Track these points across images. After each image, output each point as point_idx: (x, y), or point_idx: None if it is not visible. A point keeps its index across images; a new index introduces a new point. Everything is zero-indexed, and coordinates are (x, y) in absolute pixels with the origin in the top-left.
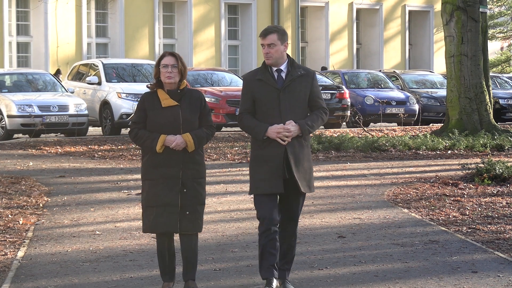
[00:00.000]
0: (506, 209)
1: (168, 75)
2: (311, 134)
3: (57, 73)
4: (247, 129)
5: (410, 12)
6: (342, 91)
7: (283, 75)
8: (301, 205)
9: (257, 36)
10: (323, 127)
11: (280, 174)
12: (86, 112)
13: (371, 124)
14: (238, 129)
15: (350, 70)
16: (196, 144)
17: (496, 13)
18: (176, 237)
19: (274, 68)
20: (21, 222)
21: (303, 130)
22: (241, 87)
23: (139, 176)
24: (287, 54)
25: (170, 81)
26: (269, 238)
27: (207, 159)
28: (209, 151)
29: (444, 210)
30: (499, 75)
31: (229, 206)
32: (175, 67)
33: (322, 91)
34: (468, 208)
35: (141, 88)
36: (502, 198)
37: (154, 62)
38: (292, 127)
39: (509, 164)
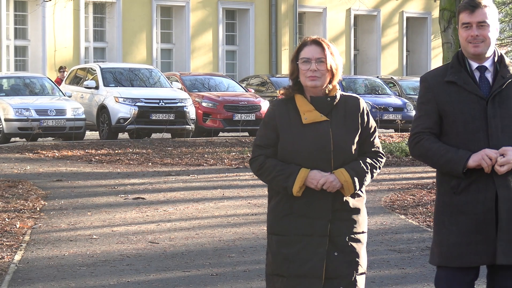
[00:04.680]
0: None
1: (311, 74)
2: None
3: (61, 69)
4: (431, 157)
5: (407, 18)
6: None
7: (489, 76)
8: None
9: (254, 41)
10: None
11: (489, 234)
12: (83, 116)
13: None
14: (235, 134)
15: (348, 76)
16: (356, 185)
17: None
18: (176, 236)
19: (475, 65)
20: (18, 226)
21: None
22: (242, 92)
23: (136, 180)
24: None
25: (314, 84)
26: None
27: (204, 164)
28: (206, 156)
29: None
30: None
31: (226, 211)
32: (321, 62)
33: None
34: None
35: (139, 92)
36: None
37: (152, 67)
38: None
39: None
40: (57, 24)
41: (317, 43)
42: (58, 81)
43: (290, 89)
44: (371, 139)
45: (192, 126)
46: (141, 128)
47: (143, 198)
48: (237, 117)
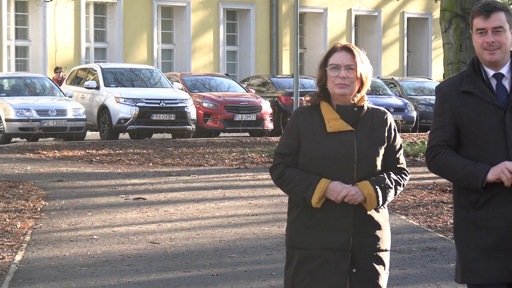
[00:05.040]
0: None
1: (340, 82)
2: None
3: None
4: (449, 171)
5: (408, 19)
6: None
7: (506, 83)
8: None
9: (255, 41)
10: None
11: (511, 250)
12: (84, 116)
13: None
14: (236, 134)
15: None
16: (380, 200)
17: None
18: (176, 236)
19: (491, 72)
20: (18, 226)
21: None
22: (243, 92)
23: (137, 180)
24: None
25: (342, 92)
26: None
27: (205, 164)
28: (206, 156)
29: (441, 217)
30: None
31: (227, 211)
32: (351, 69)
33: None
34: None
35: (139, 93)
36: None
37: (152, 67)
38: None
39: None
40: (58, 25)
41: (348, 49)
42: (55, 82)
43: (316, 96)
44: (397, 155)
45: (193, 126)
46: (142, 128)
47: (144, 199)
48: (238, 117)
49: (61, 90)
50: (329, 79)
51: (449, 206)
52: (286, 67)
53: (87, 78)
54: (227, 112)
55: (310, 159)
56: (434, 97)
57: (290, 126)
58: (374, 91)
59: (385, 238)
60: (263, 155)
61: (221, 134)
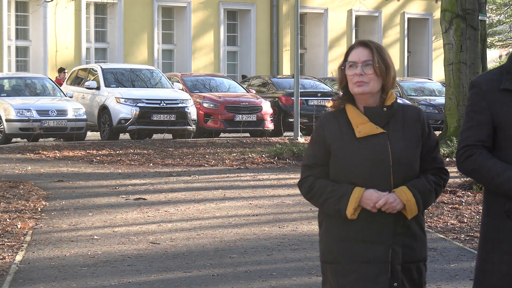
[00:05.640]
0: None
1: (358, 80)
2: None
3: (62, 70)
4: (485, 174)
5: (409, 19)
6: None
7: None
8: None
9: (256, 42)
10: None
11: None
12: (84, 116)
13: None
14: (236, 135)
15: None
16: (420, 206)
17: (495, 21)
18: (177, 237)
19: None
20: (19, 226)
21: None
22: (243, 92)
23: (137, 181)
24: None
25: (361, 90)
26: None
27: (205, 165)
28: (207, 157)
29: (442, 217)
30: None
31: (227, 211)
32: (369, 65)
33: (320, 98)
34: (466, 215)
35: (140, 93)
36: None
37: (153, 68)
38: None
39: None
40: (58, 25)
41: (365, 44)
42: (59, 82)
43: (340, 99)
44: (434, 154)
45: (193, 126)
46: (142, 128)
47: (144, 199)
48: (238, 118)
49: (61, 91)
50: (348, 79)
51: (449, 206)
52: (286, 68)
53: (88, 79)
54: (227, 113)
55: (341, 168)
56: (434, 98)
57: (316, 135)
58: None
59: (424, 248)
60: (263, 155)
61: (222, 135)
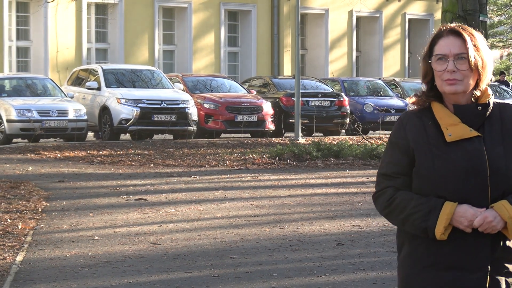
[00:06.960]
0: None
1: (449, 77)
2: None
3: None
4: None
5: (410, 20)
6: (342, 99)
7: None
8: None
9: (256, 42)
10: (322, 134)
11: None
12: (85, 117)
13: (370, 131)
14: (237, 135)
15: (350, 77)
16: None
17: (496, 22)
18: (178, 237)
19: None
20: (20, 227)
21: None
22: (244, 93)
23: (138, 181)
24: None
25: (453, 90)
26: None
27: (206, 165)
28: (207, 157)
29: None
30: (498, 83)
31: (228, 212)
32: (462, 58)
33: (321, 98)
34: None
35: (141, 93)
36: None
37: (154, 68)
38: None
39: None
40: (59, 25)
41: (456, 33)
42: None
43: (424, 96)
44: None
45: (194, 127)
46: (143, 129)
47: (145, 199)
48: (239, 118)
49: (62, 91)
50: (436, 74)
51: None
52: (287, 68)
53: (88, 79)
54: (228, 113)
55: (426, 179)
56: None
57: (396, 139)
58: (375, 92)
59: None
60: (264, 156)
61: (222, 135)
